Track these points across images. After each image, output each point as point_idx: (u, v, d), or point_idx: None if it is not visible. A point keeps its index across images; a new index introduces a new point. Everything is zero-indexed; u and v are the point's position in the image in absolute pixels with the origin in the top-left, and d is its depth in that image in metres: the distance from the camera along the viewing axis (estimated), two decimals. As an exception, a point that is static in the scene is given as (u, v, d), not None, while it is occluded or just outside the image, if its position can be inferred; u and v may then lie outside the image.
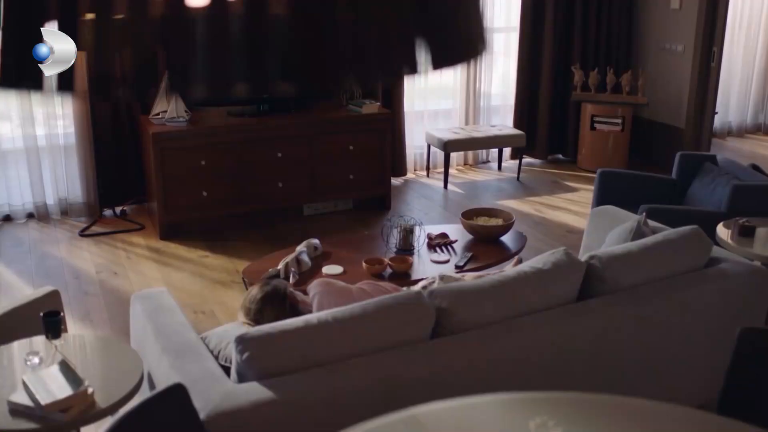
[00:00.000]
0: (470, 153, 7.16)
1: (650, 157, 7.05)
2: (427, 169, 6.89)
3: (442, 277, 3.05)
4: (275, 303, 2.69)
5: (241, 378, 2.30)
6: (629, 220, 3.59)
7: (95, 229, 5.40)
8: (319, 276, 3.81)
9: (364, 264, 3.86)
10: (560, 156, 7.41)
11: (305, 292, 2.98)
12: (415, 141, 6.87)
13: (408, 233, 4.13)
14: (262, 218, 5.56)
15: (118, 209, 5.63)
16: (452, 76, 7.01)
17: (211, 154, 5.22)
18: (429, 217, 5.73)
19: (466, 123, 7.02)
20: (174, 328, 2.61)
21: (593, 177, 6.79)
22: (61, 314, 2.48)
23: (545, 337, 2.63)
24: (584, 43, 7.06)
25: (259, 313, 2.69)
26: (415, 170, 6.94)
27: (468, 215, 4.41)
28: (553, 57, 6.98)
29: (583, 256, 2.92)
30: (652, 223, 3.47)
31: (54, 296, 3.02)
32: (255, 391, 2.19)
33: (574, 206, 6.06)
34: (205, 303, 4.33)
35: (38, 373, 2.36)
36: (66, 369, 2.36)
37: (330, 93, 5.78)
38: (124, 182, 5.62)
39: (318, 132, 5.56)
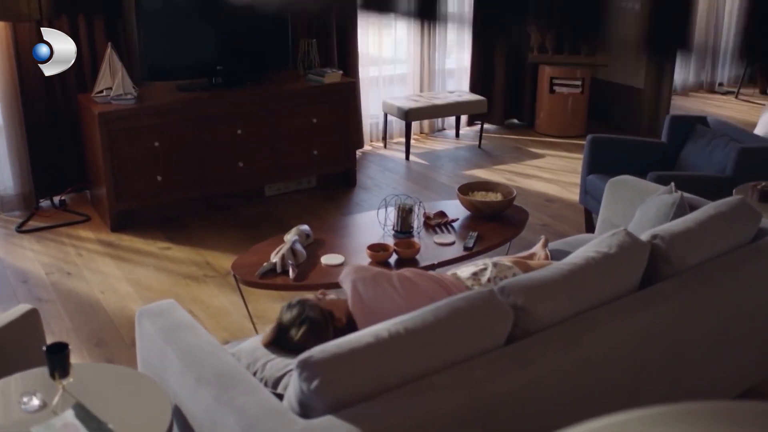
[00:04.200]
0: (426, 121, 6.82)
1: (608, 118, 6.91)
2: (384, 139, 6.52)
3: (495, 264, 2.71)
4: (321, 337, 2.27)
5: (305, 409, 1.91)
6: (652, 191, 3.36)
7: (34, 223, 4.76)
8: (320, 267, 3.42)
9: (367, 251, 3.49)
10: (515, 121, 7.18)
11: (314, 288, 2.60)
12: (371, 110, 6.47)
13: (407, 214, 3.77)
14: (222, 201, 5.07)
15: (56, 199, 5.00)
16: (405, 40, 6.63)
17: (164, 134, 4.67)
18: (398, 191, 5.37)
19: (422, 90, 6.66)
20: (204, 350, 2.18)
21: (555, 142, 6.65)
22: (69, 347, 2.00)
23: (625, 330, 2.36)
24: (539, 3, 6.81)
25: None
26: (371, 141, 6.55)
27: (464, 190, 4.08)
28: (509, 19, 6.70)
29: (642, 236, 2.65)
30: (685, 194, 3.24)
31: (33, 316, 2.51)
32: (335, 428, 1.80)
33: (544, 173, 5.84)
34: (181, 302, 3.77)
35: (49, 423, 1.89)
36: (85, 415, 1.90)
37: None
38: (61, 168, 4.98)
39: (278, 106, 5.09)
